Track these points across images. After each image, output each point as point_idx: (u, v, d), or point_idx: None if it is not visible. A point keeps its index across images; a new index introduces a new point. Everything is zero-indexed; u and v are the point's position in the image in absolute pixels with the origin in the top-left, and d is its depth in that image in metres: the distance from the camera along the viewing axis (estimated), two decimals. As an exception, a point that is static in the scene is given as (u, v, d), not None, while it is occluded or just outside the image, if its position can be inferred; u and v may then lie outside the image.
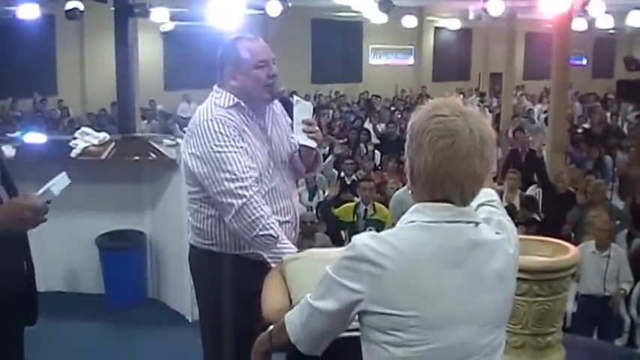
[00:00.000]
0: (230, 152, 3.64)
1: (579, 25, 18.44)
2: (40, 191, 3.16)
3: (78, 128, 8.50)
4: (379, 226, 9.25)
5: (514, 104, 22.50)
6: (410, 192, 2.48)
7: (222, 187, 3.62)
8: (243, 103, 3.81)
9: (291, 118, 3.98)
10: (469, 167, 2.32)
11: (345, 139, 17.21)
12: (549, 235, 6.42)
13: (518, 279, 5.66)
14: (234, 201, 3.60)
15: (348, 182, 12.52)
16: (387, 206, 10.06)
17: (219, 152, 3.64)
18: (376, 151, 16.79)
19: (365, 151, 16.50)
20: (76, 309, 7.22)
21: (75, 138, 7.39)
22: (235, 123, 3.73)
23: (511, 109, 20.93)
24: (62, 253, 7.44)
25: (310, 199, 12.46)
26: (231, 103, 3.79)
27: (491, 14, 15.60)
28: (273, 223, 3.63)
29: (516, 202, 11.30)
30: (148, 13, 15.41)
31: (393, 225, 2.51)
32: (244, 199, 3.58)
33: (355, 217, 9.53)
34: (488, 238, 2.41)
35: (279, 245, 3.62)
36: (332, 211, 10.03)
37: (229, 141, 3.65)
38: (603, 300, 8.37)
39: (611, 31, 26.45)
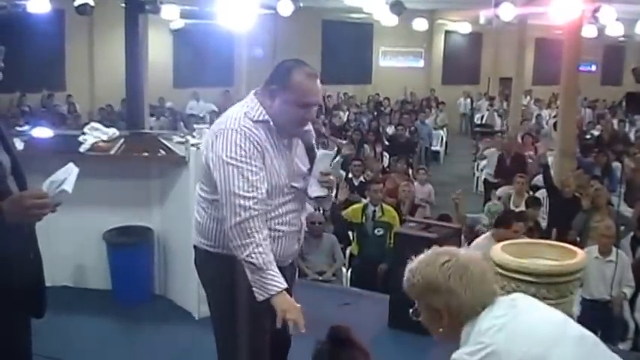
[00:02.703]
0: (241, 167, 3.67)
1: (589, 31, 18.39)
2: (47, 187, 3.18)
3: (86, 124, 8.51)
4: (387, 227, 9.29)
5: (523, 109, 22.48)
6: (441, 331, 2.92)
7: (225, 198, 3.69)
8: (272, 123, 3.81)
9: (311, 165, 4.05)
10: (489, 280, 2.86)
11: (345, 141, 17.23)
12: (556, 240, 6.44)
13: (526, 282, 5.71)
14: (231, 216, 3.66)
15: (356, 184, 12.52)
16: (395, 208, 10.08)
17: (231, 164, 3.67)
18: (384, 153, 16.81)
19: (373, 152, 16.51)
20: (83, 304, 7.23)
21: (84, 133, 7.39)
22: (258, 139, 3.75)
23: (520, 114, 20.91)
24: (70, 248, 7.44)
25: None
26: (260, 119, 3.79)
27: (502, 19, 15.61)
28: (260, 252, 3.65)
29: (523, 206, 11.32)
30: (159, 10, 15.40)
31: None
32: (239, 218, 3.64)
33: (363, 218, 9.55)
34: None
35: (263, 275, 3.65)
36: (341, 213, 10.05)
37: (245, 157, 3.68)
38: (606, 305, 8.40)
39: (621, 39, 26.39)
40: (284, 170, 3.89)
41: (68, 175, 3.26)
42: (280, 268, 3.78)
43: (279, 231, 3.92)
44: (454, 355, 2.76)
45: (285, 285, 3.69)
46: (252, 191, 3.66)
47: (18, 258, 3.29)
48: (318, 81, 3.88)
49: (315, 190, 4.02)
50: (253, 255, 3.63)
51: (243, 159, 3.67)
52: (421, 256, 2.95)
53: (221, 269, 3.97)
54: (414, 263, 2.95)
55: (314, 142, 4.14)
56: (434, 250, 2.98)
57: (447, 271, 2.80)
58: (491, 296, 2.83)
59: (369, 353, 3.51)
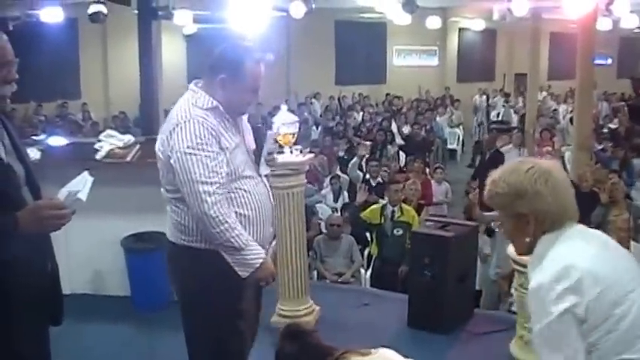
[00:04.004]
0: (199, 155, 3.80)
1: (604, 24, 18.31)
2: (65, 197, 3.18)
3: (101, 131, 8.52)
4: (406, 227, 9.24)
5: (539, 105, 22.40)
6: (528, 241, 2.91)
7: (188, 187, 3.82)
8: (221, 108, 3.96)
9: (259, 147, 4.29)
10: (572, 193, 2.93)
11: (370, 142, 17.19)
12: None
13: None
14: (199, 204, 3.80)
15: (373, 184, 12.50)
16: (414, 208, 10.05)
17: (189, 154, 3.80)
18: (400, 153, 16.78)
19: (389, 152, 16.50)
20: (102, 311, 7.24)
21: (100, 140, 7.41)
22: (212, 125, 3.88)
23: (536, 110, 20.83)
24: (88, 255, 7.45)
25: (335, 200, 12.46)
26: (209, 106, 3.95)
27: (516, 14, 15.57)
28: (237, 235, 3.84)
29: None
30: (172, 16, 15.42)
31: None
32: (207, 205, 3.78)
33: (382, 218, 9.51)
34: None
35: (243, 253, 3.86)
36: (360, 215, 10.04)
37: (201, 144, 3.81)
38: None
39: (636, 31, 26.27)
40: (240, 151, 4.04)
41: (84, 184, 3.27)
42: None
43: (241, 215, 4.01)
44: (536, 284, 2.79)
45: (263, 253, 3.93)
46: (214, 176, 3.81)
47: (35, 267, 3.30)
48: (262, 63, 4.05)
49: (264, 170, 4.27)
50: (232, 239, 3.81)
51: (200, 146, 3.80)
52: (502, 167, 3.01)
53: (199, 265, 4.05)
54: (495, 174, 2.99)
55: (259, 125, 4.33)
56: (513, 160, 3.05)
57: (533, 175, 2.85)
58: (575, 212, 2.91)
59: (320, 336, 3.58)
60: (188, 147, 3.79)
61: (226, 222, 3.79)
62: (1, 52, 3.15)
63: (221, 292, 3.97)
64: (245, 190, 4.01)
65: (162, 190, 4.15)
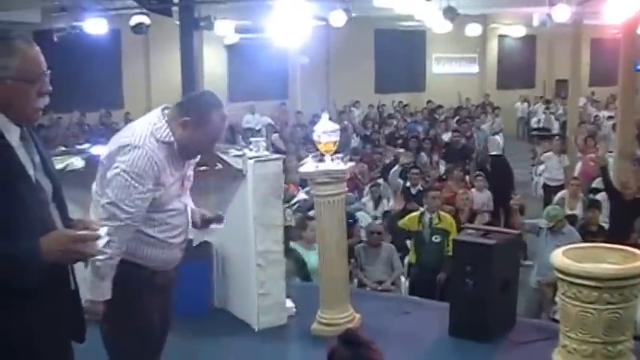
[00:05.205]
0: (129, 183, 3.89)
1: (646, 29, 18.15)
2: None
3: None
4: (445, 234, 9.22)
5: (580, 111, 22.20)
6: None
7: (105, 201, 3.93)
8: (175, 146, 4.04)
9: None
10: None
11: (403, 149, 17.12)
12: (617, 243, 6.34)
13: (588, 287, 5.59)
14: (104, 220, 3.82)
15: (414, 192, 12.47)
16: (453, 216, 10.01)
17: (123, 177, 3.89)
18: (441, 160, 16.71)
19: (429, 160, 16.43)
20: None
21: (141, 149, 7.45)
22: (158, 159, 3.97)
23: (577, 116, 20.65)
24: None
25: (375, 208, 12.46)
26: (166, 140, 4.02)
27: (556, 20, 15.48)
28: (110, 265, 3.90)
29: (579, 208, 11.16)
30: (213, 26, 15.54)
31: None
32: (118, 223, 3.86)
33: (421, 225, 9.49)
34: None
35: (100, 283, 3.92)
36: (397, 223, 10.02)
37: (137, 176, 3.90)
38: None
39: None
40: (175, 186, 4.14)
41: (103, 234, 3.26)
42: (165, 272, 4.29)
43: (157, 239, 4.13)
44: None
45: (108, 296, 3.95)
46: (130, 207, 3.89)
47: (59, 288, 3.23)
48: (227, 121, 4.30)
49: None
50: (102, 266, 3.85)
51: (135, 177, 3.89)
52: None
53: (123, 274, 4.06)
54: None
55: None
56: None
57: None
58: None
59: (380, 351, 3.52)
60: (124, 171, 3.88)
61: (112, 249, 3.84)
62: (36, 63, 3.08)
63: (131, 292, 4.07)
64: (164, 219, 4.12)
65: (93, 187, 4.19)
